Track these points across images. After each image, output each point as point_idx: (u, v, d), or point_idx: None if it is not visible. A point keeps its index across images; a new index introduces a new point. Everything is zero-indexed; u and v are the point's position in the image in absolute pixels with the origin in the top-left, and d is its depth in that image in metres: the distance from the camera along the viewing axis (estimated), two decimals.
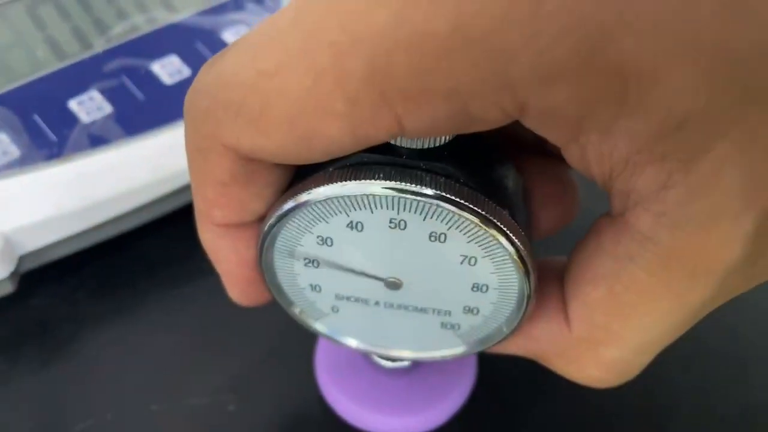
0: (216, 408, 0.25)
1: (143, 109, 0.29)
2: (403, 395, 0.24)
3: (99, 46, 0.30)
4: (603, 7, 0.11)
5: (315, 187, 0.15)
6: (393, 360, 0.23)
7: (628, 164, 0.13)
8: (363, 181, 0.15)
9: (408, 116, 0.13)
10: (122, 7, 0.32)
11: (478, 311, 0.18)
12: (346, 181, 0.15)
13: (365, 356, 0.25)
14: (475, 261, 0.16)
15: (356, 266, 0.17)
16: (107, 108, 0.29)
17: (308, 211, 0.16)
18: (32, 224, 0.26)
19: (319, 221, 0.16)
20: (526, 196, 0.19)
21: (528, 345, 0.19)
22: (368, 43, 0.12)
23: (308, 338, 0.26)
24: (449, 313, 0.18)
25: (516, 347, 0.19)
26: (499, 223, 0.15)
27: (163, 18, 0.32)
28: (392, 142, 0.16)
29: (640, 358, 0.17)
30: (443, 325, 0.19)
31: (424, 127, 0.13)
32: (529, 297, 0.17)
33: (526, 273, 0.16)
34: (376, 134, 0.13)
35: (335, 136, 0.13)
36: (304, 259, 0.18)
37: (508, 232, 0.15)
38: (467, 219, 0.15)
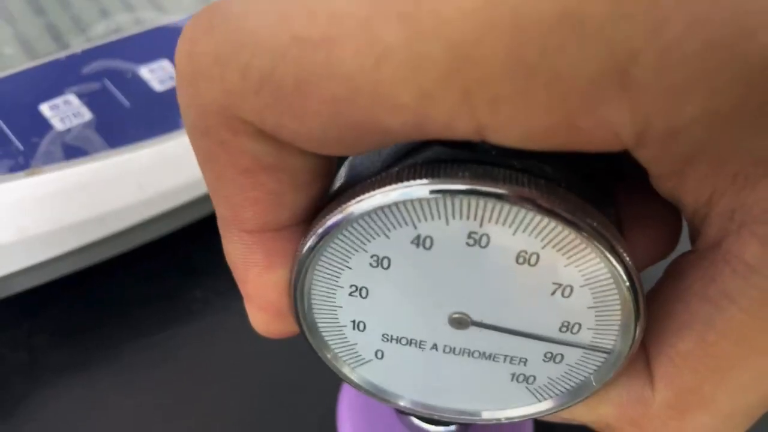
0: None
1: (129, 117, 0.25)
2: None
3: (77, 45, 0.26)
4: None
5: (375, 189, 0.13)
6: (440, 423, 0.19)
7: (737, 179, 0.12)
8: (441, 181, 0.12)
9: (495, 124, 0.10)
10: (105, 5, 0.28)
11: (561, 359, 0.15)
12: (418, 179, 0.12)
13: (401, 418, 0.20)
14: (571, 291, 0.13)
15: (414, 297, 0.14)
16: (86, 114, 0.25)
17: (364, 222, 0.13)
18: None
19: (378, 235, 0.13)
20: (621, 225, 0.16)
21: (599, 408, 0.16)
22: (454, 24, 0.10)
23: (302, 386, 0.23)
24: (525, 361, 0.15)
25: (583, 410, 0.16)
26: (612, 239, 0.12)
27: (152, 19, 0.28)
28: None
29: (732, 430, 0.14)
30: (514, 377, 0.15)
31: (515, 139, 0.11)
32: (634, 337, 0.14)
33: (636, 308, 0.13)
34: (449, 136, 0.11)
35: (395, 130, 0.11)
36: (351, 286, 0.14)
37: (620, 250, 0.13)
38: (571, 233, 0.12)
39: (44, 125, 0.24)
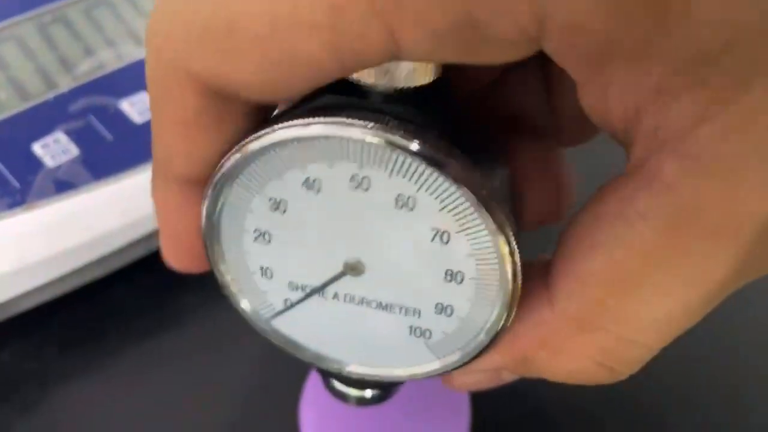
0: None
1: (112, 150, 0.28)
2: None
3: (65, 85, 0.29)
4: None
5: (265, 132, 0.13)
6: (354, 384, 0.19)
7: (660, 93, 0.11)
8: (322, 119, 0.13)
9: (404, 30, 0.11)
10: (89, 43, 0.31)
11: (452, 311, 0.15)
12: (303, 119, 0.13)
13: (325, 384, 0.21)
14: (449, 237, 0.14)
15: (312, 243, 0.15)
16: (73, 150, 0.27)
17: (261, 162, 0.14)
18: None
19: (272, 178, 0.14)
20: (513, 182, 0.16)
21: (509, 347, 0.16)
22: None
23: (292, 393, 0.25)
24: (419, 312, 0.16)
25: (495, 355, 0.16)
26: (478, 186, 0.13)
27: (132, 53, 0.31)
28: (364, 82, 0.14)
29: (644, 344, 0.14)
30: (412, 330, 0.16)
31: (423, 45, 0.11)
32: (514, 287, 0.14)
33: (511, 254, 0.14)
34: (367, 52, 0.11)
35: (316, 55, 0.11)
36: (255, 230, 0.15)
37: (487, 197, 0.13)
38: (439, 178, 0.13)
39: (37, 163, 0.26)
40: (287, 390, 0.25)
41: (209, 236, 0.15)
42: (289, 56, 0.12)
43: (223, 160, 0.14)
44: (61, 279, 0.26)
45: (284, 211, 0.15)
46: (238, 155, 0.14)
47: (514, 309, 0.14)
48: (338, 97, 0.14)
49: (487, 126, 0.16)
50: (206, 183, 0.15)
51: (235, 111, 0.14)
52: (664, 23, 0.11)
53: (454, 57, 0.12)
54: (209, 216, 0.15)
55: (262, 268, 0.16)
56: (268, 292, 0.16)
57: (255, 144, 0.14)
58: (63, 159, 0.27)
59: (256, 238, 0.15)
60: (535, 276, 0.15)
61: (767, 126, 0.11)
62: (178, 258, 0.17)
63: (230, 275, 0.16)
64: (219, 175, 0.14)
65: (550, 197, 0.18)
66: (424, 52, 0.11)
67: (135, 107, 0.29)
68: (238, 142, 0.14)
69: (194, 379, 0.26)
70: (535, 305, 0.15)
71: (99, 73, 0.30)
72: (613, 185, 0.13)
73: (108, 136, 0.28)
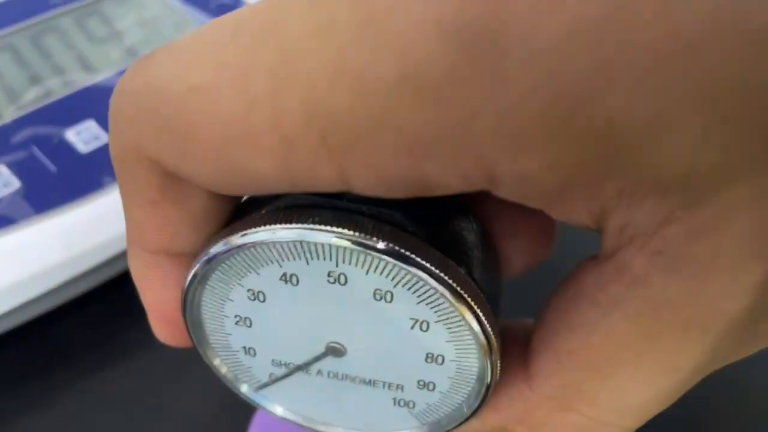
0: None
1: (55, 182, 0.27)
2: None
3: (8, 115, 0.28)
4: (582, 58, 0.09)
5: (243, 230, 0.14)
6: None
7: (622, 198, 0.11)
8: (295, 225, 0.13)
9: (353, 171, 0.11)
10: (36, 71, 0.30)
11: (434, 387, 0.16)
12: (275, 224, 0.13)
13: None
14: (428, 326, 0.14)
15: (293, 328, 0.15)
16: (15, 183, 0.26)
17: (236, 259, 0.14)
18: None
19: (249, 272, 0.14)
20: (489, 246, 0.17)
21: (488, 418, 0.16)
22: (306, 78, 0.11)
23: (241, 428, 0.24)
24: (402, 387, 0.16)
25: (476, 424, 0.17)
26: (452, 282, 0.13)
27: (81, 80, 0.30)
28: None
29: (616, 428, 0.15)
30: (396, 401, 0.17)
31: (372, 186, 0.11)
32: (492, 371, 0.15)
33: (488, 341, 0.14)
34: (317, 184, 0.12)
35: (268, 174, 0.12)
36: (235, 316, 0.16)
37: (461, 291, 0.13)
38: (415, 275, 0.13)
39: None
40: (236, 424, 0.24)
41: (190, 319, 0.16)
42: (242, 169, 0.12)
43: (195, 260, 0.14)
44: (3, 317, 0.25)
45: (263, 301, 0.15)
46: (207, 256, 0.14)
47: (492, 387, 0.15)
48: (310, 195, 0.14)
49: (466, 207, 0.16)
50: (185, 268, 0.15)
51: (198, 191, 0.14)
52: (615, 172, 0.11)
53: (405, 195, 0.12)
54: (189, 302, 0.15)
55: (245, 348, 0.16)
56: (253, 368, 0.17)
57: (232, 240, 0.14)
58: (4, 192, 0.26)
59: (237, 323, 0.16)
60: (514, 344, 0.15)
61: (735, 229, 0.11)
62: (166, 333, 0.17)
63: (214, 355, 0.17)
64: (194, 270, 0.14)
65: (534, 240, 0.18)
66: (374, 191, 0.12)
67: (81, 136, 0.28)
68: (214, 218, 0.14)
69: (147, 413, 0.26)
70: (514, 381, 0.15)
71: (45, 102, 0.29)
72: (590, 267, 0.14)
73: (51, 167, 0.27)
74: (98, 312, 0.28)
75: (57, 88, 0.30)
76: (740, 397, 0.27)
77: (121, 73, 0.31)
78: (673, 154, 0.10)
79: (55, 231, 0.26)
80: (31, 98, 0.29)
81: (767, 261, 0.11)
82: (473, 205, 0.17)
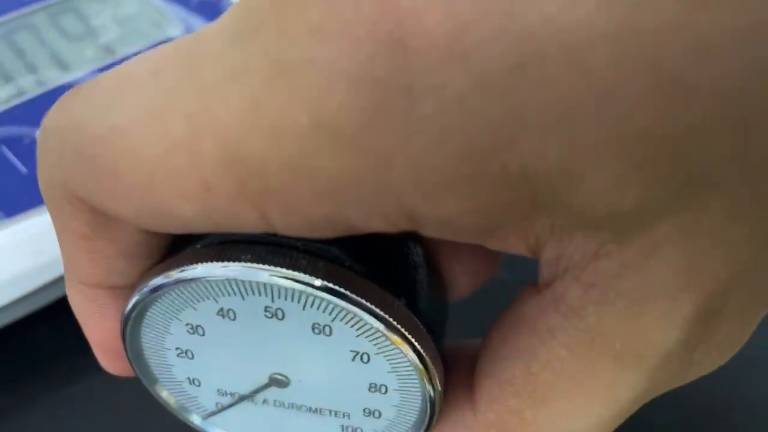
0: None
1: (26, 184, 0.26)
2: None
3: None
4: (492, 106, 0.10)
5: (178, 267, 0.14)
6: None
7: (554, 230, 0.12)
8: (228, 264, 0.13)
9: (275, 216, 0.11)
10: (8, 70, 0.29)
11: (380, 414, 0.16)
12: (208, 262, 0.13)
13: None
14: (368, 358, 0.14)
15: (235, 360, 0.15)
16: None
17: (172, 294, 0.14)
18: None
19: (186, 307, 0.14)
20: (433, 269, 0.17)
21: None
22: (222, 124, 0.11)
23: None
24: (348, 415, 0.16)
25: None
26: (387, 316, 0.13)
27: (54, 79, 0.29)
28: None
29: None
30: (344, 428, 0.17)
31: (297, 229, 0.12)
32: (433, 399, 0.15)
33: (427, 371, 0.14)
34: (241, 225, 0.12)
35: (189, 218, 0.12)
36: (176, 348, 0.15)
37: (398, 326, 0.13)
38: (350, 311, 0.13)
39: None
40: None
41: (132, 351, 0.16)
42: (164, 211, 0.12)
43: (131, 294, 0.14)
44: None
45: (203, 335, 0.15)
46: (142, 291, 0.14)
47: (436, 415, 0.15)
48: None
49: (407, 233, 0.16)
50: (124, 300, 0.15)
51: (128, 226, 0.13)
52: (536, 212, 0.11)
53: (333, 236, 0.12)
54: (129, 335, 0.15)
55: (189, 378, 0.16)
56: (199, 397, 0.17)
57: (163, 278, 0.14)
58: None
59: (178, 355, 0.16)
60: (459, 367, 0.16)
61: (665, 263, 0.11)
62: (111, 364, 0.17)
63: (159, 386, 0.17)
64: (131, 304, 0.14)
65: (479, 261, 0.18)
66: (300, 233, 0.12)
67: None
68: (148, 250, 0.14)
69: (117, 423, 0.25)
70: (459, 406, 0.15)
71: (16, 101, 0.28)
72: (530, 295, 0.14)
73: (22, 168, 0.26)
74: (70, 320, 0.27)
75: (30, 87, 0.29)
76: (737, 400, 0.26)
77: (97, 71, 0.30)
78: (592, 196, 0.10)
79: (25, 236, 0.25)
80: (3, 97, 0.28)
81: (697, 294, 0.11)
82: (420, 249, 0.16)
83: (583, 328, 0.12)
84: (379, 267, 0.14)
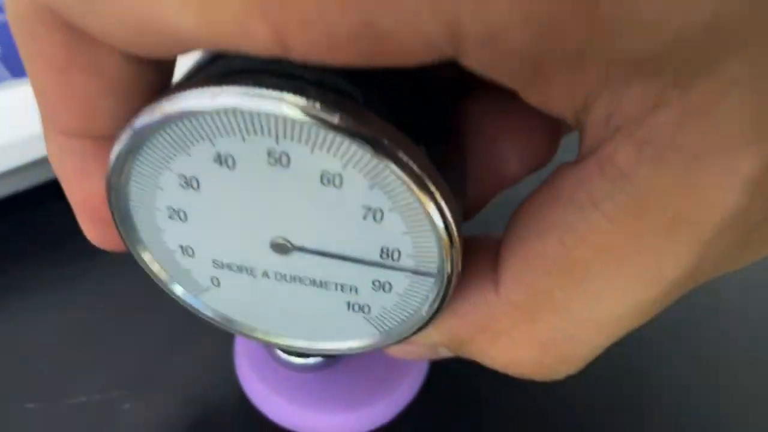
0: (108, 406, 0.21)
1: None
2: (342, 389, 0.21)
3: None
4: None
5: (169, 96, 0.12)
6: (295, 354, 0.19)
7: (608, 81, 0.10)
8: (229, 88, 0.11)
9: (293, 32, 0.09)
10: None
11: (390, 287, 0.14)
12: (205, 87, 0.11)
13: (268, 350, 0.21)
14: (382, 216, 0.13)
15: (233, 221, 0.13)
16: None
17: (163, 136, 0.12)
18: None
19: (179, 152, 0.12)
20: (457, 147, 0.14)
21: (447, 324, 0.15)
22: None
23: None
24: (356, 289, 0.14)
25: (434, 333, 0.15)
26: (408, 162, 0.11)
27: None
28: None
29: (588, 342, 0.13)
30: (350, 306, 0.15)
31: (316, 50, 0.10)
32: (453, 266, 0.13)
33: (448, 234, 0.12)
34: (247, 44, 0.10)
35: (187, 31, 0.10)
36: (167, 208, 0.13)
37: (420, 175, 0.12)
38: (366, 155, 0.11)
39: None
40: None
41: (118, 212, 0.14)
42: (158, 23, 0.10)
43: (116, 138, 0.12)
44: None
45: (197, 188, 0.13)
46: (131, 130, 0.12)
47: (453, 284, 0.13)
48: (247, 59, 0.12)
49: (432, 86, 0.14)
50: (107, 148, 0.13)
51: (112, 55, 0.12)
52: (597, 31, 0.09)
53: (355, 63, 0.10)
54: (114, 191, 0.13)
55: (182, 247, 0.14)
56: (192, 270, 0.15)
57: (146, 118, 0.12)
58: None
59: (170, 216, 0.14)
60: (482, 253, 0.14)
61: (730, 109, 0.10)
62: (95, 232, 0.15)
63: (147, 253, 0.15)
64: (116, 151, 0.12)
65: (534, 140, 0.15)
66: (318, 57, 0.10)
67: None
68: (135, 90, 0.12)
69: (115, 307, 0.24)
70: (479, 286, 0.14)
71: None
72: (568, 168, 0.12)
73: None
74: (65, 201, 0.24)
75: None
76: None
77: None
78: (657, 12, 0.09)
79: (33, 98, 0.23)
80: None
81: (762, 149, 0.10)
82: (461, 95, 0.15)
83: (632, 193, 0.11)
84: (401, 115, 0.12)
